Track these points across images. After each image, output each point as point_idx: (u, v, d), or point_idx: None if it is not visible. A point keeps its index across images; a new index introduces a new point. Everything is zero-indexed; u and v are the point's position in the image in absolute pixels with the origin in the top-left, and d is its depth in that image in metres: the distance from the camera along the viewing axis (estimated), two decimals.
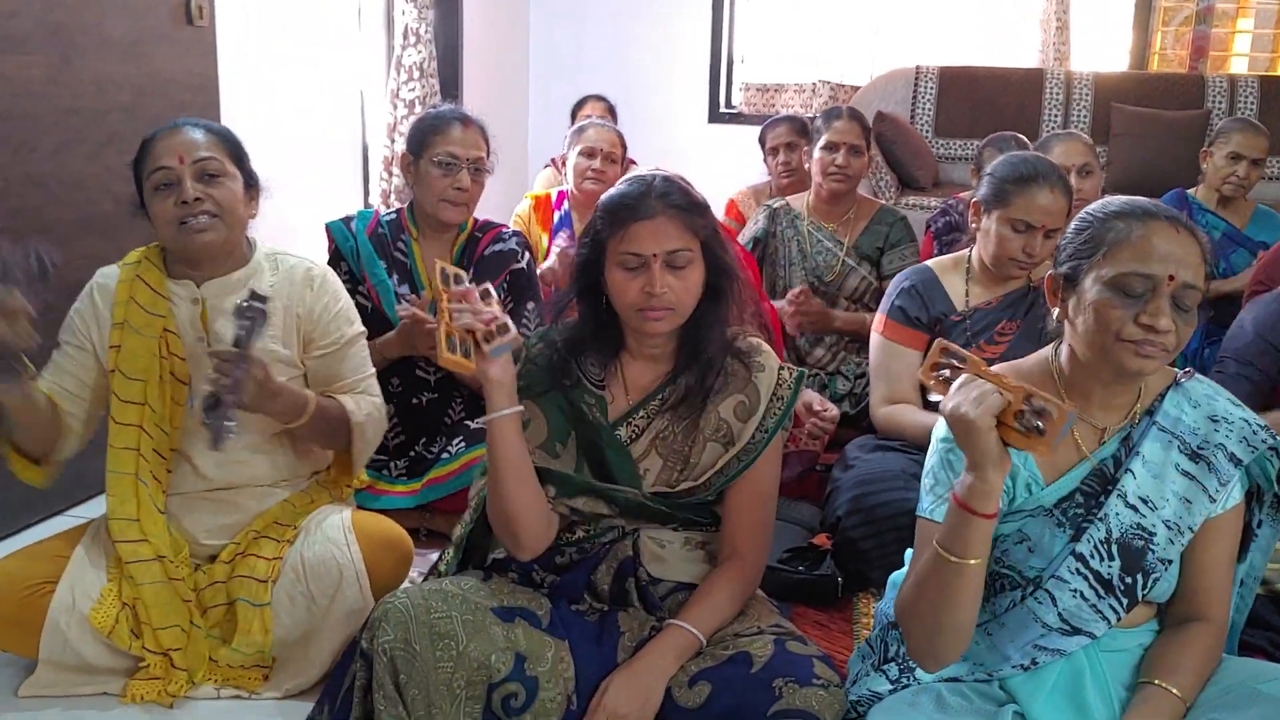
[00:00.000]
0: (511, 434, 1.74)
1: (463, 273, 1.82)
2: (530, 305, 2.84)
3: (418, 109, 4.87)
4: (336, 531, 2.07)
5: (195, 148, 2.03)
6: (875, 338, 2.71)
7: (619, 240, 1.79)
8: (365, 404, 2.15)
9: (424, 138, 2.76)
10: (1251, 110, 5.50)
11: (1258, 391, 2.29)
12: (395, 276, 2.78)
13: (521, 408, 1.76)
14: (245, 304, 1.89)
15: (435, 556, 2.59)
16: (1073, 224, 1.65)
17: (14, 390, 1.88)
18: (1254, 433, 1.60)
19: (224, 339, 2.01)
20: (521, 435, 1.76)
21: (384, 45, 5.00)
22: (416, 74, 4.87)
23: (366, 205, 4.64)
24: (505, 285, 2.81)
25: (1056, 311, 1.65)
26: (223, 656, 2.06)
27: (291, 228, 2.19)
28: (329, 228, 2.81)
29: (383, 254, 2.79)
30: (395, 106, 4.83)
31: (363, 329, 2.22)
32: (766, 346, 1.95)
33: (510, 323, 1.72)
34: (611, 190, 1.86)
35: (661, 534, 1.88)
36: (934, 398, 1.50)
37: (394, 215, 2.87)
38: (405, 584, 2.12)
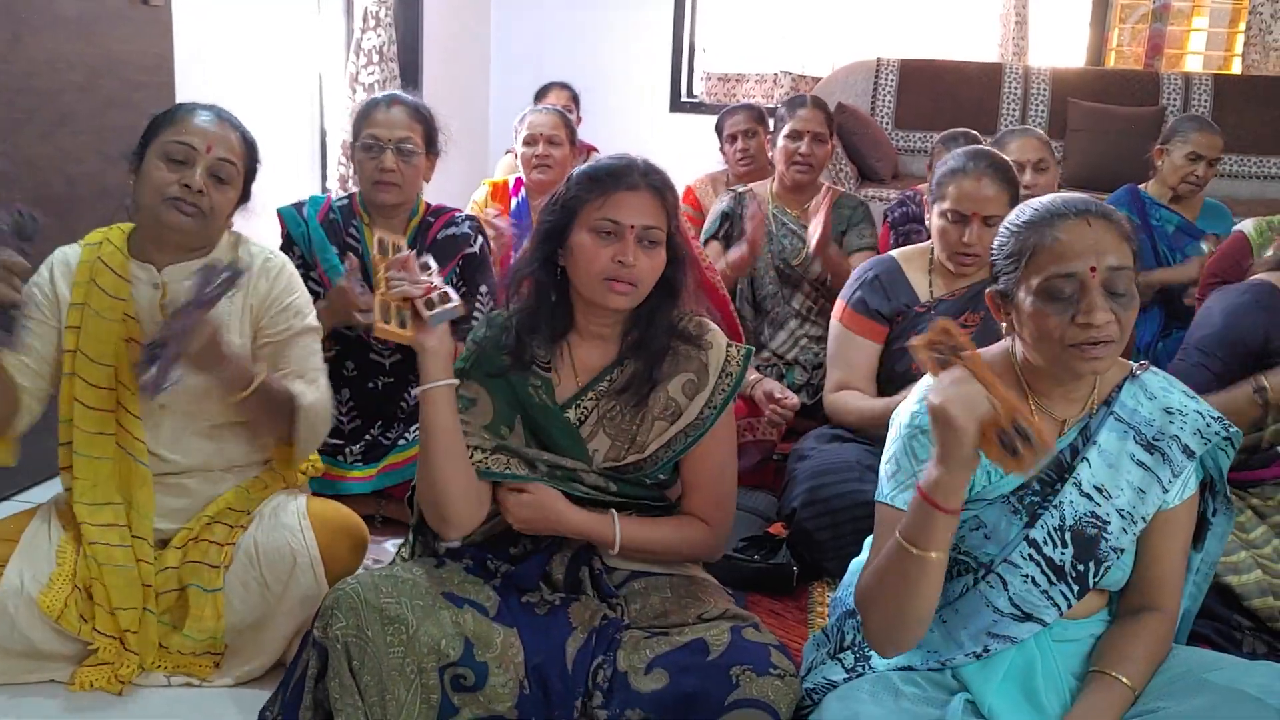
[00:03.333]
0: (444, 406, 1.73)
1: (402, 240, 1.82)
2: (484, 289, 2.83)
3: (377, 93, 4.82)
4: (291, 517, 2.06)
5: (223, 145, 2.02)
6: (835, 324, 2.73)
7: (597, 206, 1.79)
8: (312, 392, 2.12)
9: (357, 123, 2.78)
10: (1205, 108, 5.58)
11: (1216, 382, 2.32)
12: (347, 262, 2.76)
13: (456, 380, 1.75)
14: (220, 267, 1.87)
15: (390, 543, 2.60)
16: (995, 241, 1.67)
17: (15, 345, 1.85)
18: (1207, 425, 1.63)
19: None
20: (455, 409, 1.75)
21: (343, 28, 4.95)
22: (376, 58, 4.82)
23: (324, 190, 4.60)
24: (459, 269, 2.80)
25: (1004, 325, 1.67)
26: (174, 643, 2.03)
27: (247, 209, 2.18)
28: (280, 213, 2.79)
29: (335, 240, 2.77)
30: (354, 91, 4.78)
31: (316, 325, 2.19)
32: (714, 326, 1.97)
33: (451, 291, 1.72)
34: (590, 162, 1.87)
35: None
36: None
37: (346, 201, 2.87)
38: (360, 570, 2.11)
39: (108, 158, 2.94)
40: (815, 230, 3.30)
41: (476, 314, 2.76)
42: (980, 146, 2.77)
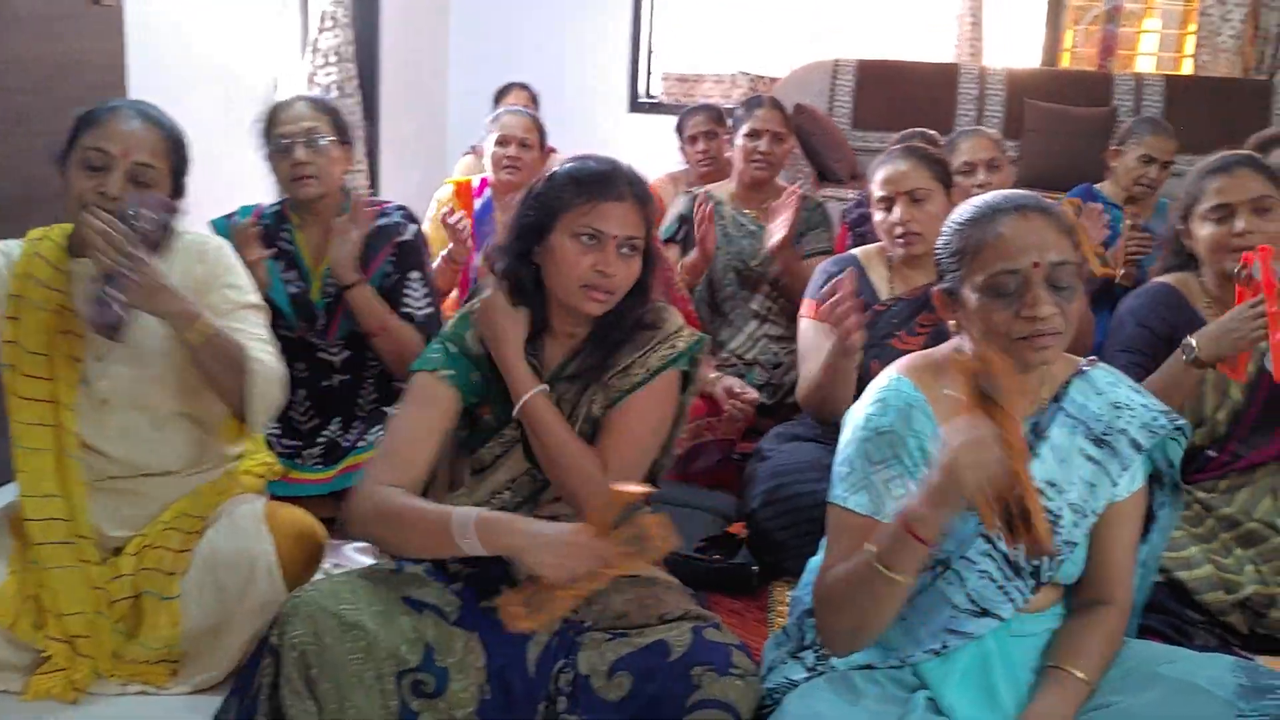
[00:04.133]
0: (546, 411, 1.79)
1: None
2: (415, 275, 2.81)
3: (334, 94, 4.79)
4: (248, 522, 2.03)
5: (141, 148, 1.98)
6: (804, 322, 2.72)
7: (582, 213, 1.78)
8: (263, 354, 2.04)
9: (265, 130, 2.78)
10: (1157, 108, 5.65)
11: (1148, 371, 2.36)
12: (281, 264, 2.77)
13: (546, 386, 1.81)
14: (144, 198, 1.87)
15: (349, 547, 2.58)
16: (939, 241, 1.69)
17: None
18: (1154, 418, 1.65)
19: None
20: (554, 410, 1.80)
21: (300, 29, 4.91)
22: (333, 58, 4.78)
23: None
24: (392, 258, 2.79)
25: (952, 323, 1.68)
26: (129, 652, 2.00)
27: (202, 211, 2.16)
28: (212, 225, 2.77)
29: (268, 245, 2.75)
30: (311, 91, 4.75)
31: (259, 302, 2.15)
32: (674, 311, 1.97)
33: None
34: (573, 163, 1.86)
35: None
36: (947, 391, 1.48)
37: (277, 207, 2.86)
38: (319, 575, 2.10)
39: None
40: (779, 230, 3.30)
41: (407, 302, 2.76)
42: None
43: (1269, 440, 2.36)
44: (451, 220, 3.42)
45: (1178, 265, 2.49)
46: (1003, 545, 1.59)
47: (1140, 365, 2.35)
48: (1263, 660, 2.07)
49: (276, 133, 2.73)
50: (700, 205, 3.39)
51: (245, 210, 2.84)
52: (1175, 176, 4.64)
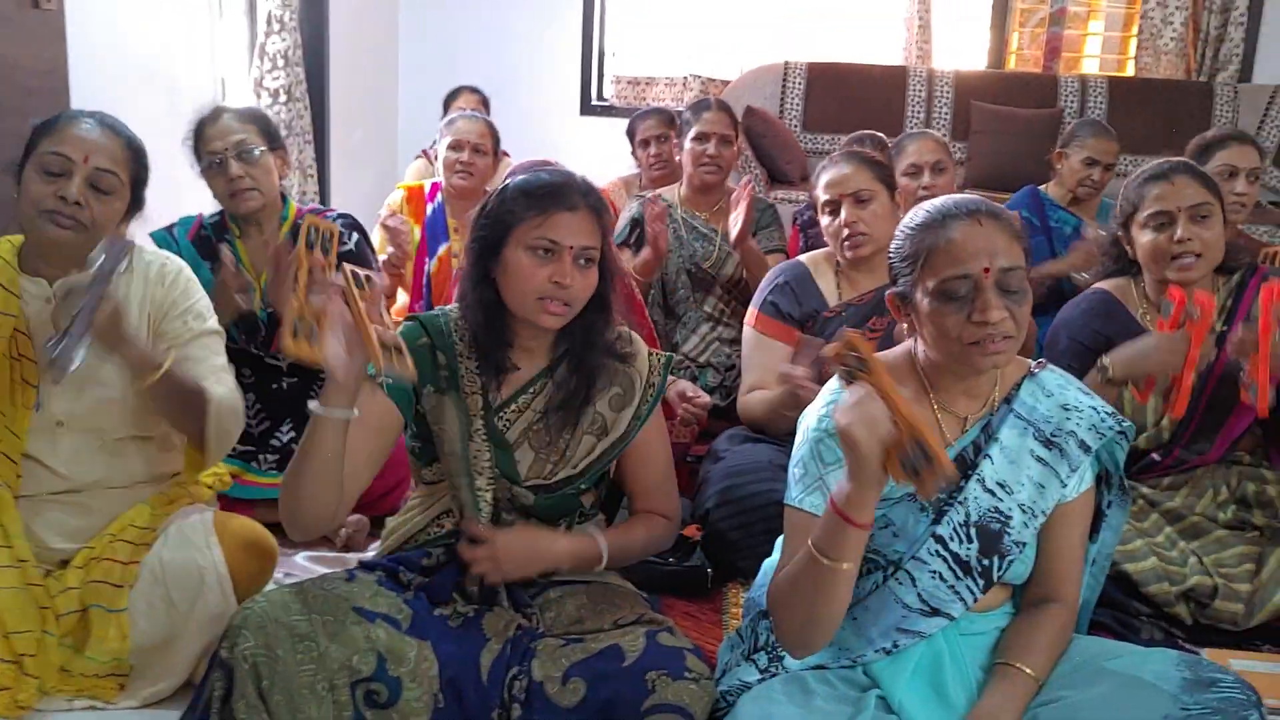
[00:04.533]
0: (332, 436, 1.62)
1: (335, 228, 1.73)
2: None
3: (282, 98, 4.75)
4: (197, 533, 2.00)
5: (101, 155, 1.96)
6: (747, 330, 2.76)
7: (535, 224, 1.78)
8: (221, 388, 2.04)
9: (194, 147, 2.75)
10: (1100, 109, 5.74)
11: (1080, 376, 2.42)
12: (223, 252, 2.71)
13: (354, 413, 1.64)
14: (109, 241, 1.83)
15: (301, 555, 2.57)
16: (892, 245, 1.71)
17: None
18: (1102, 420, 1.68)
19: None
20: (342, 439, 1.63)
21: (246, 32, 4.86)
22: (281, 62, 4.74)
23: None
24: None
25: (905, 326, 1.70)
26: (76, 666, 1.97)
27: (147, 219, 2.13)
28: (152, 238, 2.74)
29: (207, 256, 2.73)
30: (259, 96, 4.70)
31: (218, 329, 2.15)
32: (638, 337, 1.99)
33: (404, 345, 1.62)
34: (523, 176, 1.85)
35: None
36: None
37: (217, 217, 2.83)
38: (270, 585, 2.07)
39: (1, 166, 2.85)
40: (736, 222, 3.30)
41: None
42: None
43: (1211, 444, 2.41)
44: (392, 223, 3.40)
45: (1117, 271, 2.53)
46: (954, 545, 1.61)
47: (1072, 368, 2.39)
48: (1207, 653, 2.12)
49: (206, 150, 2.70)
50: (655, 206, 3.40)
51: (185, 221, 2.82)
52: (1119, 177, 4.74)
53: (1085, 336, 2.43)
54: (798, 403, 2.28)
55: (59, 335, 1.77)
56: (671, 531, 2.01)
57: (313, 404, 1.61)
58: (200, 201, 2.88)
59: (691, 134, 3.56)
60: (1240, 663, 2.10)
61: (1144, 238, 2.38)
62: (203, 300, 2.14)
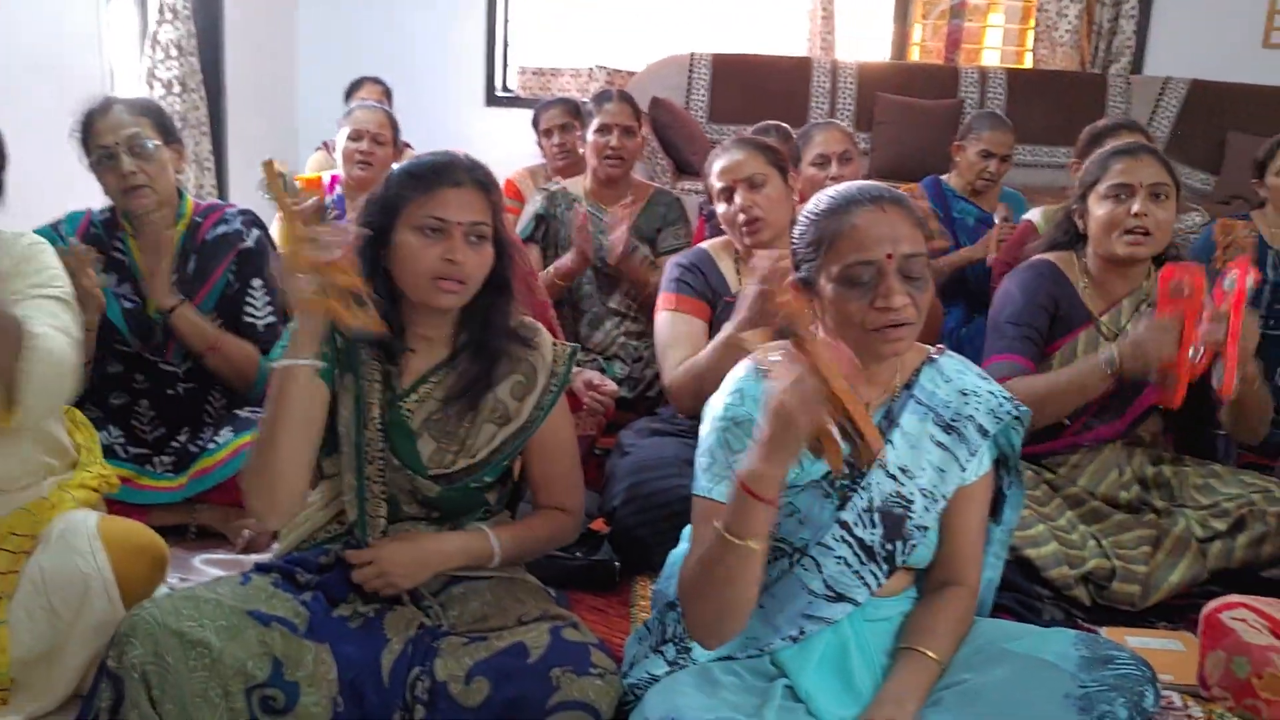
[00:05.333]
0: (306, 385, 1.67)
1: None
2: (256, 282, 2.71)
3: (176, 89, 4.61)
4: (80, 539, 1.91)
5: None
6: (663, 315, 2.71)
7: (420, 204, 1.74)
8: (50, 330, 1.86)
9: (82, 140, 2.59)
10: (1000, 100, 5.85)
11: (1041, 344, 2.48)
12: (115, 276, 2.63)
13: (322, 363, 1.69)
14: None
15: (199, 558, 2.50)
16: (795, 230, 1.71)
17: None
18: (999, 405, 1.70)
19: None
20: (314, 389, 1.69)
21: (137, 20, 4.71)
22: (174, 51, 4.60)
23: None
24: (234, 267, 2.69)
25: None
26: None
27: (33, 215, 2.03)
28: (38, 234, 2.62)
29: (99, 254, 2.60)
30: (151, 86, 4.56)
31: (70, 299, 1.99)
32: (541, 326, 1.97)
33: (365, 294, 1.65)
34: (408, 161, 1.83)
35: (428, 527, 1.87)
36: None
37: (108, 214, 2.69)
38: (164, 590, 2.00)
39: None
40: (616, 244, 3.30)
41: (248, 311, 2.69)
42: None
43: (1119, 417, 2.48)
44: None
45: (1064, 244, 2.60)
46: (859, 530, 1.62)
47: (1029, 338, 2.46)
48: (1105, 631, 2.16)
49: (96, 143, 2.55)
50: (578, 214, 3.37)
51: (74, 217, 2.67)
52: (1019, 167, 4.84)
53: (1041, 296, 2.49)
54: (761, 317, 2.23)
55: None
56: (575, 527, 1.99)
57: (278, 360, 1.62)
58: (86, 197, 2.77)
59: (594, 126, 3.54)
60: (1136, 640, 2.16)
61: (1100, 209, 2.44)
62: (57, 274, 2.00)
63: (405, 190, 1.76)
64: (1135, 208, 2.38)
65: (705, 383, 2.47)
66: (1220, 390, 2.20)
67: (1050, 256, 2.58)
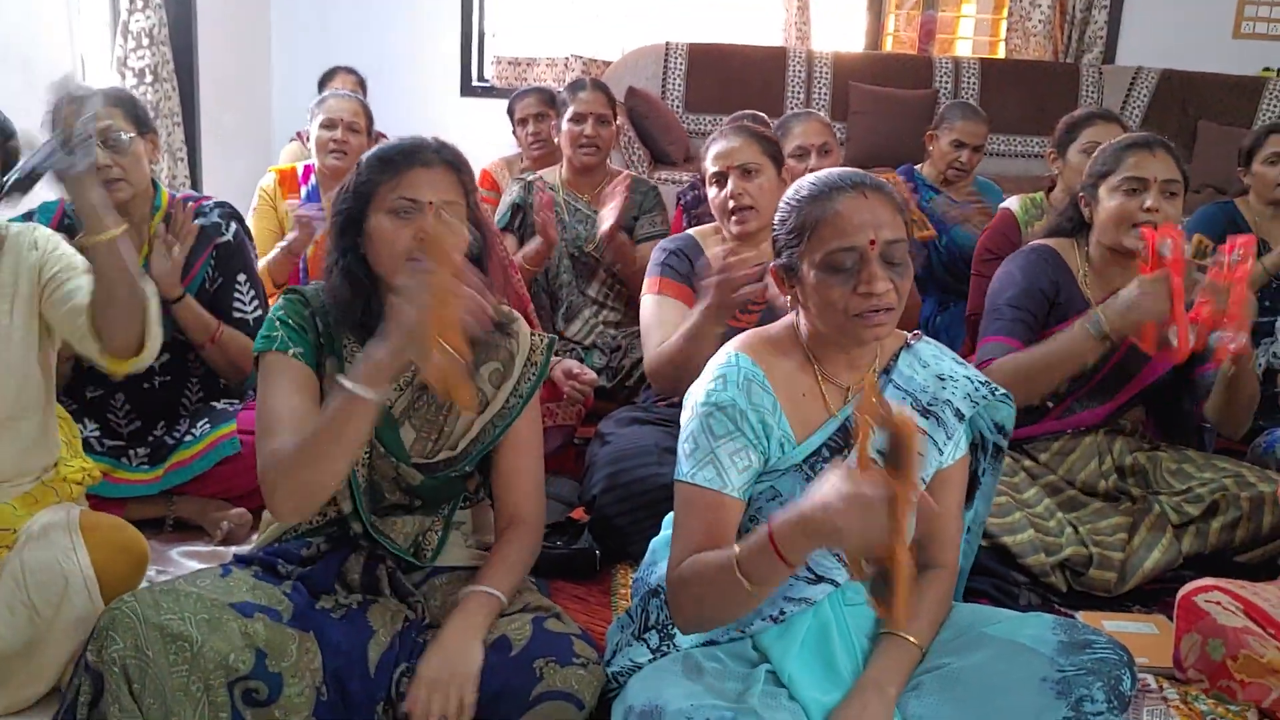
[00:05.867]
0: (366, 419, 1.60)
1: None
2: (241, 278, 2.71)
3: (148, 78, 4.57)
4: (60, 534, 1.90)
5: None
6: (648, 298, 2.71)
7: (392, 186, 1.73)
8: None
9: None
10: (973, 90, 5.87)
11: (1038, 327, 2.47)
12: None
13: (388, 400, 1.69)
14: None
15: (176, 551, 2.49)
16: (776, 216, 1.72)
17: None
18: (976, 389, 1.71)
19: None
20: (371, 423, 1.63)
21: (109, 8, 4.66)
22: (146, 40, 4.55)
23: None
24: (213, 261, 2.67)
25: (789, 299, 1.71)
26: None
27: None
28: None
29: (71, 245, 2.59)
30: (123, 76, 4.51)
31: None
32: (519, 315, 1.95)
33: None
34: (379, 145, 1.81)
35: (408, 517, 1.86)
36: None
37: None
38: (144, 584, 1.99)
39: None
40: (609, 217, 3.29)
41: (237, 306, 2.68)
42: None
43: (1102, 404, 2.50)
44: (306, 212, 3.30)
45: (1067, 231, 2.59)
46: None
47: (1024, 322, 2.46)
48: (1081, 615, 2.19)
49: None
50: (542, 195, 3.36)
51: (47, 207, 2.64)
52: (991, 157, 4.85)
53: (1041, 281, 2.49)
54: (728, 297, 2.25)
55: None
56: (538, 536, 1.91)
57: (350, 383, 1.57)
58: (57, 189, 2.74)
59: (568, 115, 3.53)
60: (1112, 624, 2.18)
61: (1112, 201, 2.44)
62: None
63: (375, 175, 1.75)
64: (1148, 203, 2.38)
65: (678, 368, 2.50)
66: (1220, 349, 2.18)
67: (1051, 242, 2.58)
